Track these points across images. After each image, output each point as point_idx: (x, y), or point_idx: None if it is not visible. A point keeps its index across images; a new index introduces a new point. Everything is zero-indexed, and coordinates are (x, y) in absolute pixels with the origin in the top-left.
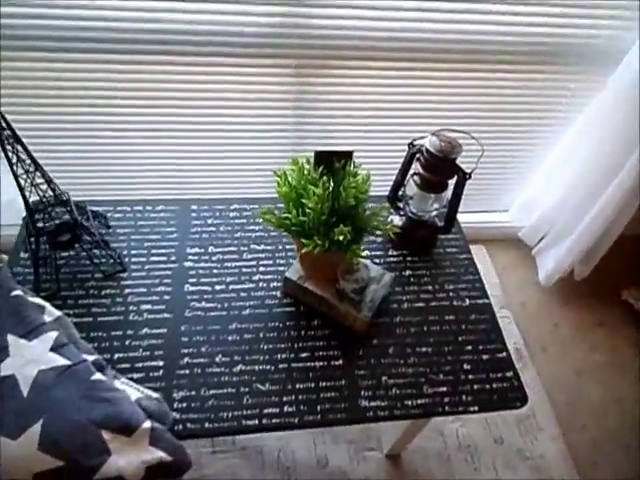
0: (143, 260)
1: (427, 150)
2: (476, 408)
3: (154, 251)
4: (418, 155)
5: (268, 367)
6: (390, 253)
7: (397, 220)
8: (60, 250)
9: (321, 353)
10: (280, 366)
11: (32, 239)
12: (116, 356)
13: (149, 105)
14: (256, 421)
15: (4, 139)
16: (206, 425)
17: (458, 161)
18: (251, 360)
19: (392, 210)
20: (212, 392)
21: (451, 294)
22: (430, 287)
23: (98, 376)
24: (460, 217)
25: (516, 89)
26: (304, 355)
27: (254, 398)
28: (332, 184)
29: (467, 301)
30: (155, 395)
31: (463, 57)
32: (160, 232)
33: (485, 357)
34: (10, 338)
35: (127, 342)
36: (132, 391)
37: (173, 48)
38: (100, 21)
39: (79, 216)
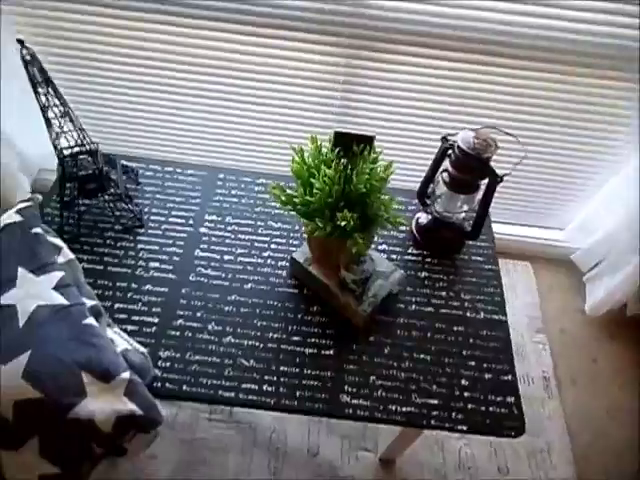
0: (162, 220)
1: (458, 146)
2: (464, 427)
3: (174, 213)
4: (450, 151)
5: (257, 344)
6: (410, 251)
7: (423, 218)
8: (86, 198)
9: (313, 340)
10: (269, 345)
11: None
12: (116, 306)
13: (199, 72)
14: (232, 394)
15: (37, 82)
16: (184, 388)
17: (499, 164)
18: (242, 334)
19: (421, 207)
20: (197, 357)
21: (466, 304)
22: (444, 293)
23: (90, 321)
24: (507, 228)
25: (587, 96)
26: (296, 339)
27: (236, 371)
28: (346, 167)
29: (482, 314)
30: (142, 350)
31: (529, 53)
32: (184, 195)
33: (487, 376)
34: (20, 271)
35: (129, 295)
36: (121, 342)
37: (230, 16)
38: None
39: (109, 168)
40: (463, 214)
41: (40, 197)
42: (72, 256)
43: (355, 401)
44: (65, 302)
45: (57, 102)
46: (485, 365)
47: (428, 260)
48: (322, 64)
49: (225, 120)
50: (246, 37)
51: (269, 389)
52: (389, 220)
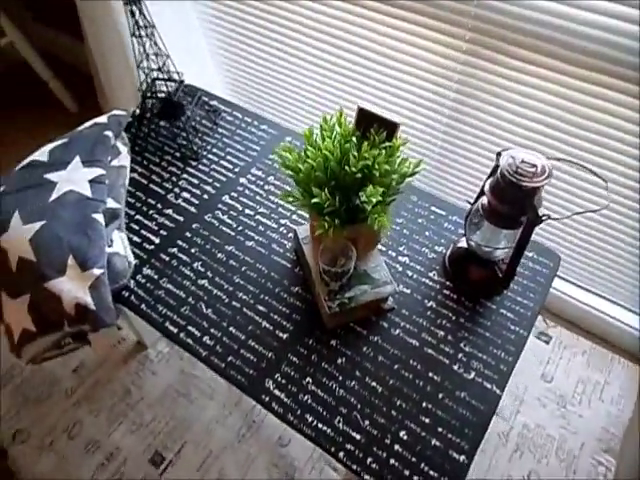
0: (215, 160)
1: (499, 167)
2: (367, 478)
3: (228, 157)
4: (494, 170)
5: (224, 297)
6: (431, 275)
7: (460, 245)
8: (160, 119)
9: (275, 317)
10: (233, 303)
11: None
12: (136, 217)
13: (317, 38)
14: (176, 330)
15: (132, 6)
16: (142, 306)
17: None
18: (216, 283)
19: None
20: (168, 286)
21: (460, 356)
22: (441, 333)
23: (98, 217)
24: (628, 316)
25: None
26: (261, 309)
27: (191, 313)
28: (348, 145)
29: (472, 374)
30: (131, 259)
31: None
32: (246, 145)
33: (436, 443)
34: (75, 159)
35: (151, 212)
36: (118, 245)
37: None
38: None
39: (189, 100)
40: (501, 252)
41: (133, 110)
42: (125, 164)
43: (277, 392)
44: (89, 194)
45: (147, 23)
46: (440, 430)
47: (445, 292)
48: (439, 55)
49: (329, 92)
50: (370, 12)
51: (208, 342)
52: (372, 216)
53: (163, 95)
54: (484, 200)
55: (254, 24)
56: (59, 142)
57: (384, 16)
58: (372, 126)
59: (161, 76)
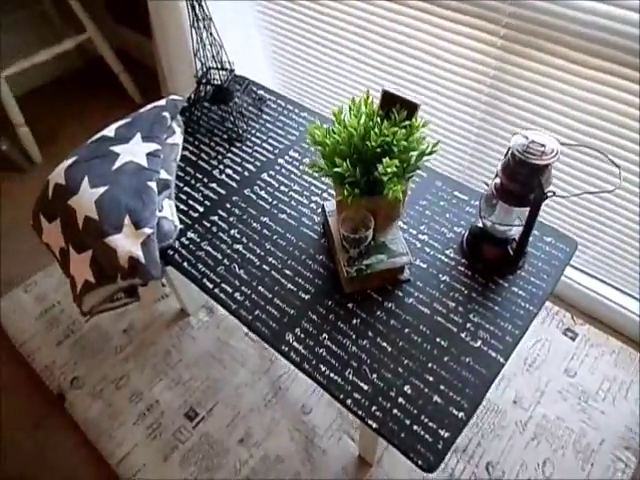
0: (258, 142)
1: (510, 148)
2: (375, 425)
3: (270, 141)
4: (507, 152)
5: (256, 260)
6: (448, 253)
7: (477, 226)
8: (212, 104)
9: (299, 280)
10: (263, 266)
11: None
12: (184, 188)
13: (360, 34)
14: (211, 286)
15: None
16: (184, 264)
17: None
18: (250, 248)
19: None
20: (208, 248)
21: (468, 325)
22: (452, 304)
23: (152, 185)
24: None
25: None
26: (287, 272)
27: (225, 272)
28: (372, 122)
29: (478, 343)
30: (177, 224)
31: None
32: (287, 130)
33: (438, 400)
34: (137, 135)
35: (197, 185)
36: (167, 211)
37: None
38: None
39: (238, 88)
40: (514, 231)
41: (189, 96)
42: (178, 142)
43: (296, 344)
44: (146, 165)
45: (204, 14)
46: (442, 388)
47: (460, 269)
48: (474, 50)
49: (363, 84)
50: (407, 9)
51: (239, 298)
52: (388, 187)
53: (216, 82)
54: (497, 180)
55: (303, 22)
56: (124, 121)
57: (421, 12)
58: (392, 108)
59: (214, 65)
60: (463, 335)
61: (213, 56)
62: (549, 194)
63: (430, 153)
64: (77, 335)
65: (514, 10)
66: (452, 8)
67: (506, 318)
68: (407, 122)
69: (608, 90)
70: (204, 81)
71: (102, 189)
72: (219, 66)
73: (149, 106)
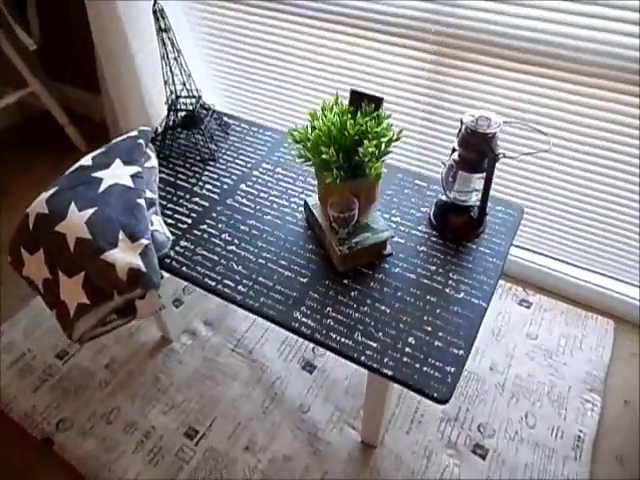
0: (230, 160)
1: (463, 123)
2: (390, 373)
3: (241, 157)
4: (459, 130)
5: (251, 257)
6: (420, 229)
7: (440, 202)
8: (182, 128)
9: (295, 267)
10: (259, 261)
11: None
12: (168, 205)
13: (304, 57)
14: (214, 283)
15: (161, 30)
16: (183, 269)
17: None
18: (243, 247)
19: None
20: (203, 252)
21: (450, 282)
22: (433, 267)
23: (141, 202)
24: (595, 278)
25: None
26: (282, 262)
27: (225, 270)
28: (345, 116)
29: (462, 294)
30: (168, 235)
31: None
32: (254, 147)
33: (438, 344)
34: (116, 160)
35: (180, 201)
36: (157, 225)
37: (337, 18)
38: None
39: (205, 113)
40: (477, 195)
41: (156, 127)
42: (155, 165)
43: (305, 320)
44: (132, 185)
45: (172, 49)
46: (441, 334)
47: (433, 239)
48: (412, 67)
49: (312, 102)
50: (342, 36)
51: (242, 289)
52: (369, 165)
53: (185, 109)
54: (455, 155)
55: (242, 33)
56: (99, 151)
57: (367, 31)
58: (361, 104)
59: (184, 93)
60: (448, 290)
61: (183, 83)
62: (500, 156)
63: (397, 139)
64: (55, 378)
65: (438, 37)
66: (391, 33)
67: (480, 272)
68: (375, 113)
69: (510, 83)
70: (174, 109)
71: (91, 210)
72: (188, 94)
73: (121, 137)
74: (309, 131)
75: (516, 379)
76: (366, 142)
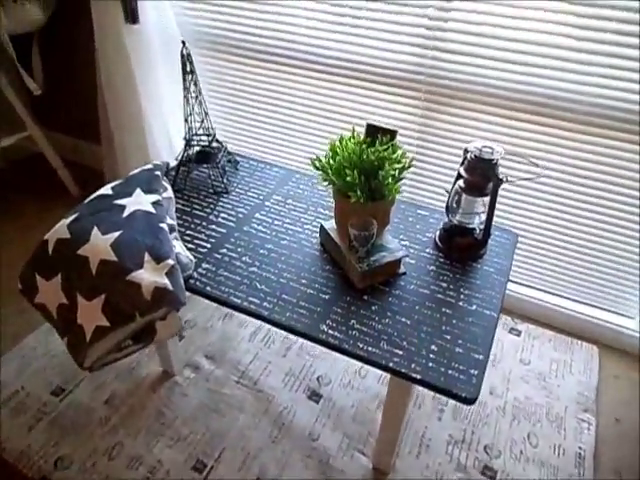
0: (242, 192)
1: (470, 151)
2: (418, 377)
3: (252, 190)
4: (465, 159)
5: (272, 277)
6: (427, 251)
7: (445, 226)
8: (196, 163)
9: (316, 285)
10: (281, 280)
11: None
12: (187, 232)
13: (304, 105)
14: (239, 301)
15: (186, 72)
16: (207, 289)
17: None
18: (263, 268)
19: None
20: (225, 274)
21: (462, 296)
22: (444, 284)
23: (164, 226)
24: (578, 307)
25: None
26: (303, 281)
27: (249, 289)
28: (365, 143)
29: (474, 306)
30: (190, 257)
31: (587, 119)
32: (264, 181)
33: (459, 350)
34: (137, 190)
35: (198, 228)
36: (179, 248)
37: (330, 69)
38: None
39: (217, 150)
40: (480, 218)
41: (169, 163)
42: (171, 195)
43: (331, 332)
44: (154, 212)
45: (194, 89)
46: (460, 341)
47: (441, 260)
48: (404, 113)
49: (314, 147)
50: (341, 86)
51: (268, 306)
52: (390, 187)
53: (200, 145)
54: (460, 182)
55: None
56: (118, 182)
57: (363, 82)
58: (377, 136)
59: (200, 131)
60: (461, 304)
61: (202, 120)
62: (504, 179)
63: (409, 167)
64: (51, 416)
65: (428, 87)
66: (386, 83)
67: (487, 287)
68: (391, 143)
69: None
70: (190, 144)
71: (116, 233)
72: (204, 132)
73: (138, 170)
74: (329, 160)
75: (515, 402)
76: (387, 166)
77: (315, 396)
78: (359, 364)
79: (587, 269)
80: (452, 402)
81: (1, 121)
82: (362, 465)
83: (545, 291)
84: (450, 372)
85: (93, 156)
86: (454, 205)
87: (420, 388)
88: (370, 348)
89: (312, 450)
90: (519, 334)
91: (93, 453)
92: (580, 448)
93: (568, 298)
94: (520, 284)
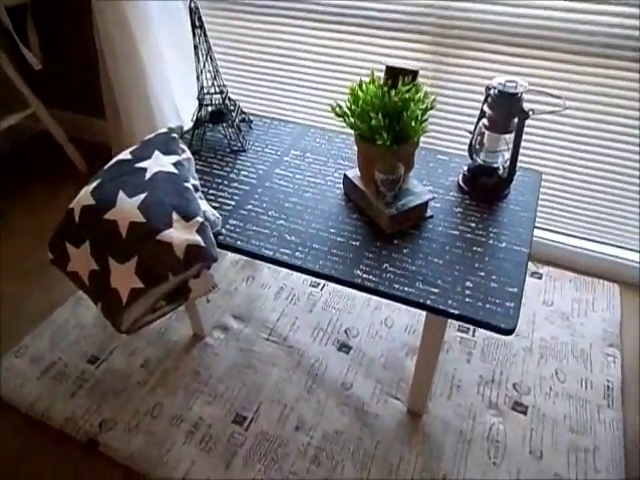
0: (259, 149)
1: (493, 87)
2: (456, 312)
3: (269, 146)
4: (488, 97)
5: (301, 228)
6: (452, 194)
7: (469, 167)
8: (211, 123)
9: (345, 233)
10: (310, 231)
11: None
12: (210, 192)
13: (312, 59)
14: (271, 253)
15: (195, 27)
16: (238, 243)
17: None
18: (291, 220)
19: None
20: (254, 228)
21: (491, 234)
22: (473, 224)
23: (188, 185)
24: (598, 247)
25: None
26: (332, 230)
27: (279, 241)
28: (387, 86)
29: (504, 244)
30: (217, 214)
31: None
32: (280, 138)
33: (493, 285)
34: (156, 152)
35: (220, 187)
36: (205, 207)
37: (344, 19)
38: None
39: (232, 108)
40: (504, 156)
41: (183, 126)
42: (190, 156)
43: (365, 275)
44: (176, 172)
45: (204, 44)
46: (494, 277)
47: (467, 202)
48: (413, 60)
49: (326, 95)
50: (346, 35)
51: (300, 255)
52: (417, 129)
53: (213, 104)
54: (484, 120)
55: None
56: (135, 146)
57: (362, 37)
58: (397, 78)
59: (212, 90)
60: (491, 242)
61: (214, 78)
62: (530, 113)
63: (432, 107)
64: (91, 382)
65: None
66: (394, 29)
67: (515, 224)
68: (413, 83)
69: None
70: (203, 104)
71: (142, 195)
72: (216, 90)
73: (153, 134)
74: (351, 105)
75: (541, 341)
76: (412, 106)
77: (345, 347)
78: (385, 315)
79: (604, 207)
80: (480, 345)
81: (3, 100)
82: (396, 409)
83: (564, 233)
84: (487, 306)
85: (98, 131)
86: (477, 145)
87: (447, 333)
88: (406, 288)
89: (347, 398)
90: (540, 277)
91: (135, 414)
92: (608, 381)
93: (586, 239)
94: (539, 228)
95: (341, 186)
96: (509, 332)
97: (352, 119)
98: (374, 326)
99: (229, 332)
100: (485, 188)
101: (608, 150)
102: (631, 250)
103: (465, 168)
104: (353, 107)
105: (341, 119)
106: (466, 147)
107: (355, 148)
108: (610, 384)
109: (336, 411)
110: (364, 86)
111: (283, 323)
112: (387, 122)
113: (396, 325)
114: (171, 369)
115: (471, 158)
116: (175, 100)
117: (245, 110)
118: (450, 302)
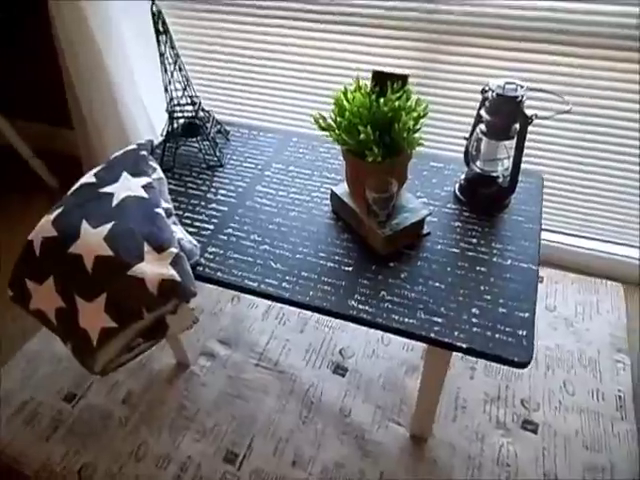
0: (237, 164)
1: (492, 90)
2: (464, 345)
3: (249, 160)
4: (485, 100)
5: (287, 254)
6: (449, 206)
7: (466, 176)
8: (183, 136)
9: (336, 257)
10: (297, 256)
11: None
12: (185, 214)
13: (289, 60)
14: (256, 284)
15: (159, 32)
16: (218, 274)
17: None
18: (276, 245)
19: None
20: (235, 256)
21: (494, 251)
22: (474, 240)
23: (160, 211)
24: (600, 245)
25: None
26: (321, 254)
27: (264, 269)
28: (375, 94)
29: (509, 261)
30: (194, 242)
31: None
32: (260, 149)
33: (502, 310)
34: (124, 174)
35: (197, 209)
36: (180, 234)
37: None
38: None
39: (205, 119)
40: (504, 164)
41: (154, 140)
42: (162, 176)
43: (361, 306)
44: (146, 196)
45: (171, 52)
46: (501, 301)
47: (465, 214)
48: (403, 58)
49: (309, 99)
50: (333, 35)
51: (287, 286)
52: (409, 140)
53: (185, 117)
54: (481, 126)
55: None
56: (100, 167)
57: (347, 35)
58: (386, 84)
59: (183, 101)
60: (495, 259)
61: (184, 88)
62: (533, 117)
63: (424, 115)
64: (67, 423)
65: (428, 16)
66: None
67: (520, 238)
68: (403, 90)
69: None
70: (175, 116)
71: (109, 225)
72: (187, 101)
73: (120, 152)
74: (336, 117)
75: (546, 351)
76: (403, 116)
77: (340, 370)
78: (380, 332)
79: (605, 205)
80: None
81: None
82: (399, 434)
83: (564, 233)
84: (497, 336)
85: (67, 142)
86: (474, 152)
87: None
88: (407, 319)
89: (346, 426)
90: (541, 280)
91: (118, 457)
92: (619, 390)
93: (586, 237)
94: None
95: (329, 202)
96: (524, 365)
97: (338, 132)
98: (370, 344)
99: (216, 359)
100: (484, 199)
101: (608, 146)
102: (634, 247)
103: (462, 177)
104: (339, 119)
105: (326, 133)
106: (461, 149)
107: (342, 158)
108: (622, 394)
109: (335, 442)
110: (349, 94)
111: (273, 346)
112: (377, 135)
113: (393, 342)
114: (155, 403)
115: (467, 166)
116: (146, 107)
117: (221, 119)
118: (456, 334)
